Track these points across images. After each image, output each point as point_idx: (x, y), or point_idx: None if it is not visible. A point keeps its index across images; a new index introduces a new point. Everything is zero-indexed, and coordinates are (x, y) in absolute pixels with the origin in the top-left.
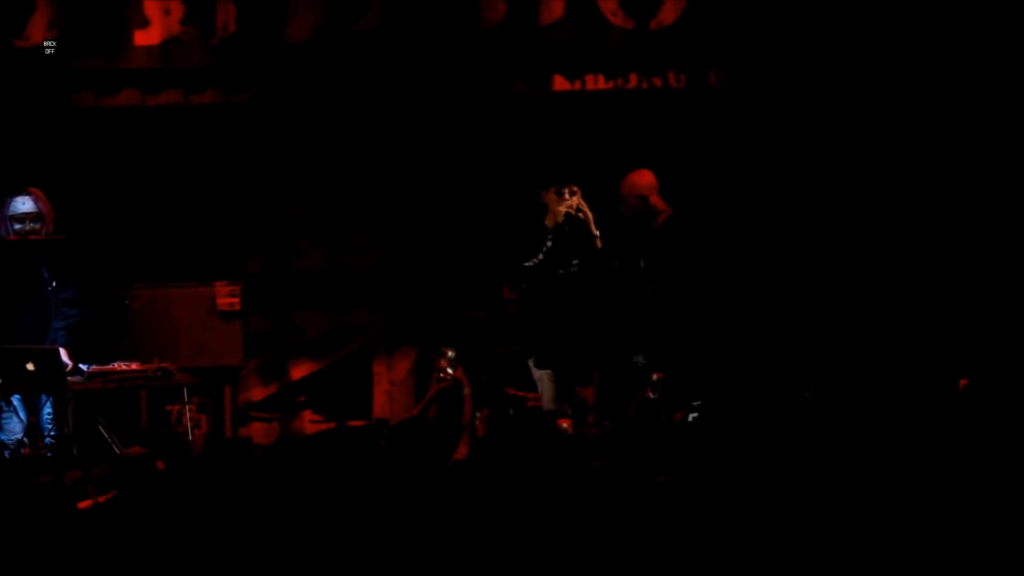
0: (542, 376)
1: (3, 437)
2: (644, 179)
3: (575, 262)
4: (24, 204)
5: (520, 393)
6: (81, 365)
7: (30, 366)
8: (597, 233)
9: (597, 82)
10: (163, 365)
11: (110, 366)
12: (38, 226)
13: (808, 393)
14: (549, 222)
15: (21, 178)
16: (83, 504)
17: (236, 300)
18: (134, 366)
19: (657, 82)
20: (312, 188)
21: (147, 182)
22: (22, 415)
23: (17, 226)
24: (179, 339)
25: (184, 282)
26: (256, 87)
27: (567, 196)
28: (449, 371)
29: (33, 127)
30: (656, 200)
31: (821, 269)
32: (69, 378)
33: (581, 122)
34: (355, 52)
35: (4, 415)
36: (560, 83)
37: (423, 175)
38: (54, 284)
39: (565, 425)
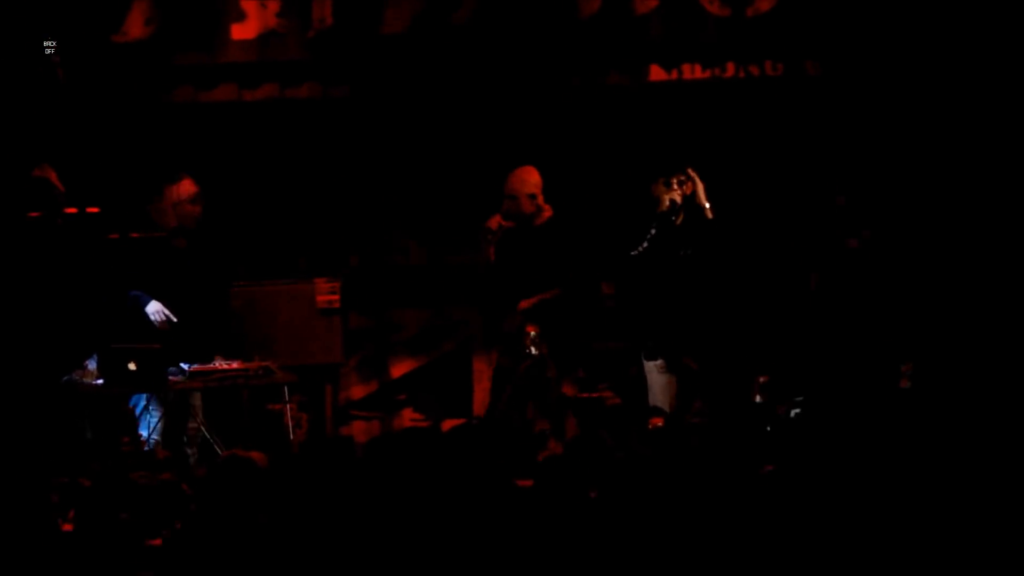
0: (651, 368)
1: (145, 433)
2: (534, 176)
3: (686, 252)
4: (191, 187)
5: (601, 393)
6: (182, 364)
7: (132, 365)
8: (707, 205)
9: (694, 72)
10: (264, 364)
11: (211, 365)
12: (202, 207)
13: (906, 383)
14: (658, 212)
15: (121, 175)
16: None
17: (336, 297)
18: (235, 365)
19: (754, 71)
20: (411, 183)
21: (246, 177)
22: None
23: (189, 207)
24: (279, 337)
25: (284, 279)
26: (353, 80)
27: (675, 186)
28: (533, 350)
29: (133, 123)
30: (542, 199)
31: (919, 257)
32: (171, 377)
33: (679, 112)
34: (452, 45)
35: (148, 412)
36: (657, 73)
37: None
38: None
39: (658, 423)
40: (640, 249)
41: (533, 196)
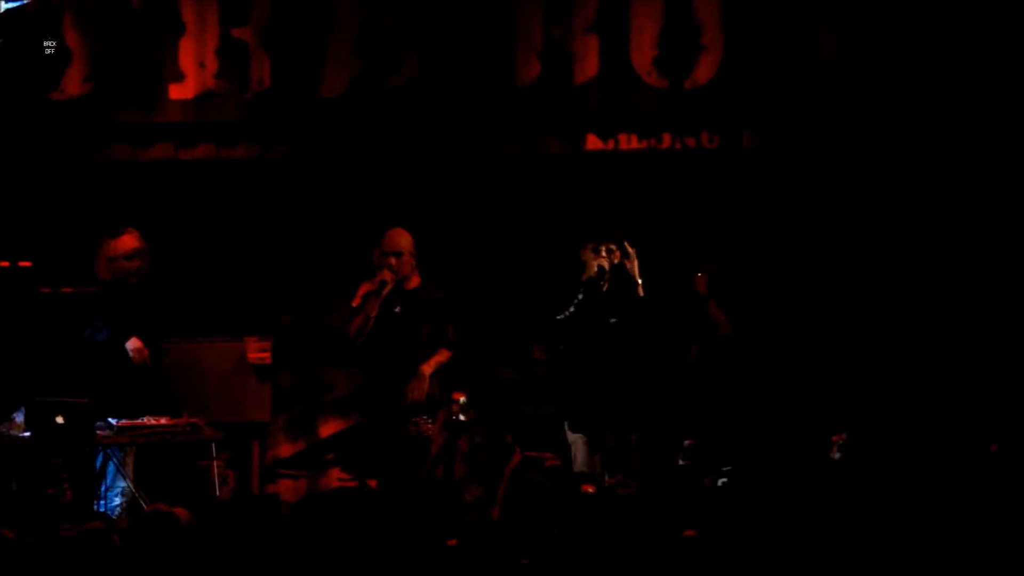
0: (576, 439)
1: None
2: (406, 238)
3: (612, 319)
4: (130, 242)
5: (539, 454)
6: (110, 419)
7: (59, 419)
8: (640, 281)
9: (631, 142)
10: (192, 420)
11: (139, 420)
12: (145, 262)
13: (838, 454)
14: (584, 276)
15: (57, 230)
16: None
17: (267, 355)
18: (163, 420)
19: (690, 142)
20: (345, 244)
21: (180, 236)
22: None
23: (125, 263)
24: (209, 394)
25: (214, 336)
26: (290, 142)
27: (603, 253)
28: (461, 417)
29: (68, 179)
30: (411, 260)
31: (849, 327)
32: (98, 432)
33: (614, 181)
34: (389, 108)
35: (111, 485)
36: (594, 142)
37: (455, 233)
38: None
39: (590, 490)
40: (566, 314)
41: (413, 255)
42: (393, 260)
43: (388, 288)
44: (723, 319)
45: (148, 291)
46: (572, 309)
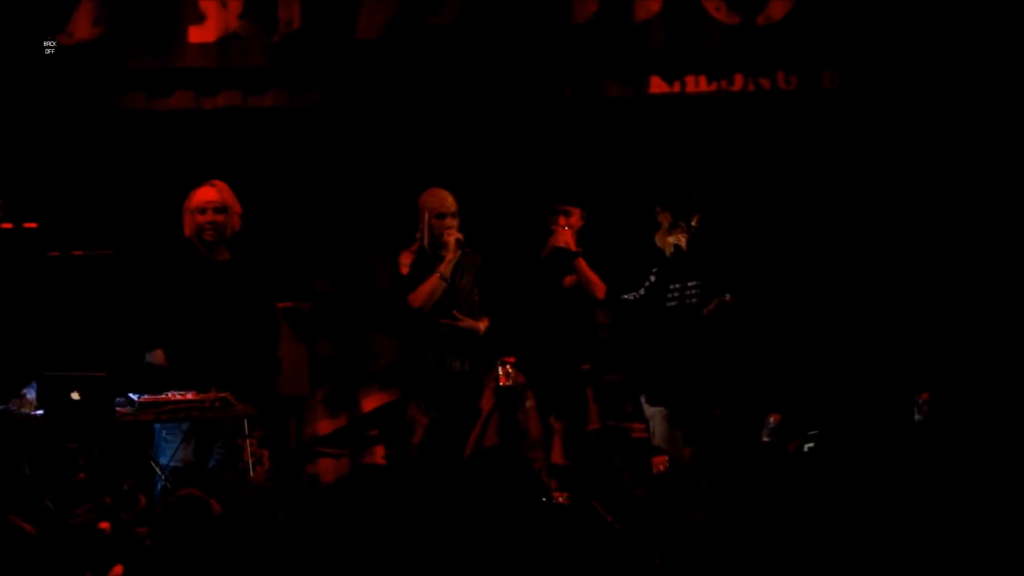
0: (654, 413)
1: (164, 461)
2: (452, 198)
3: (692, 284)
4: (204, 195)
5: (626, 424)
6: (131, 395)
7: (75, 395)
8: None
9: (698, 84)
10: (221, 395)
11: (163, 396)
12: (221, 218)
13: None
14: (659, 242)
15: (69, 184)
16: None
17: (303, 322)
18: (189, 396)
19: (765, 83)
20: (386, 200)
21: None
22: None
23: (198, 217)
24: None
25: None
26: (323, 89)
27: (682, 228)
28: (508, 381)
29: (78, 132)
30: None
31: (936, 276)
32: (118, 408)
33: (681, 128)
34: (430, 50)
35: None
36: (657, 85)
37: (506, 185)
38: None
39: (661, 465)
40: (636, 296)
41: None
42: (450, 221)
43: (458, 253)
44: None
45: (236, 254)
46: (642, 291)
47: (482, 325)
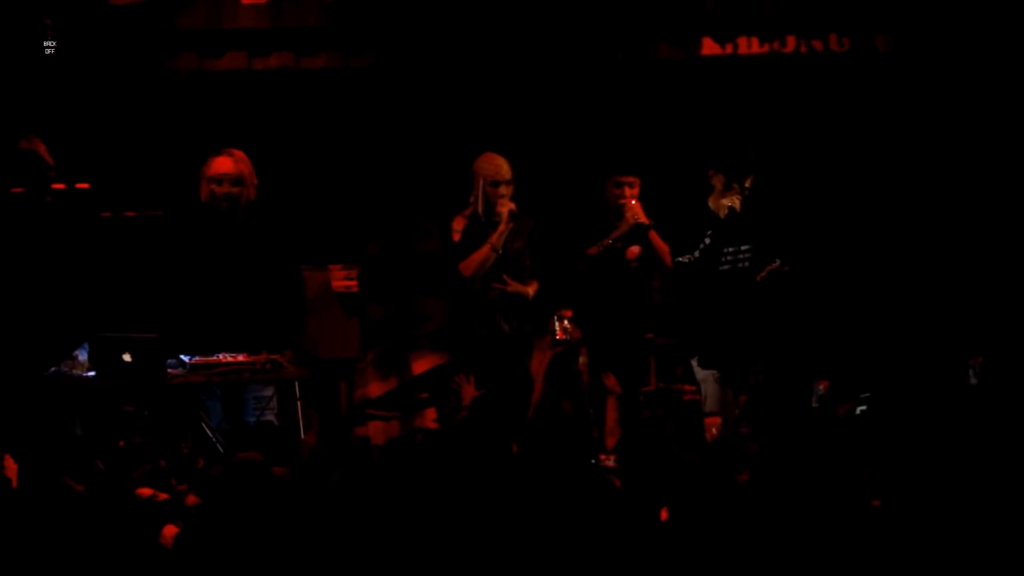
0: (706, 376)
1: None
2: (508, 164)
3: (744, 248)
4: (221, 165)
5: (678, 386)
6: (183, 356)
7: (127, 356)
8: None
9: (751, 46)
10: (272, 357)
11: (214, 358)
12: (236, 190)
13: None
14: (713, 204)
15: (118, 149)
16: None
17: (353, 284)
18: (240, 358)
19: (818, 46)
20: (439, 162)
21: (254, 154)
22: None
23: (215, 188)
24: None
25: None
26: (377, 50)
27: (735, 190)
28: (565, 336)
29: (129, 93)
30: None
31: (990, 240)
32: (170, 370)
33: (733, 90)
34: (485, 11)
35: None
36: (709, 47)
37: (558, 148)
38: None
39: (714, 429)
40: (690, 259)
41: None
42: (504, 189)
43: (511, 225)
44: None
45: (249, 222)
46: (697, 254)
47: (531, 289)
